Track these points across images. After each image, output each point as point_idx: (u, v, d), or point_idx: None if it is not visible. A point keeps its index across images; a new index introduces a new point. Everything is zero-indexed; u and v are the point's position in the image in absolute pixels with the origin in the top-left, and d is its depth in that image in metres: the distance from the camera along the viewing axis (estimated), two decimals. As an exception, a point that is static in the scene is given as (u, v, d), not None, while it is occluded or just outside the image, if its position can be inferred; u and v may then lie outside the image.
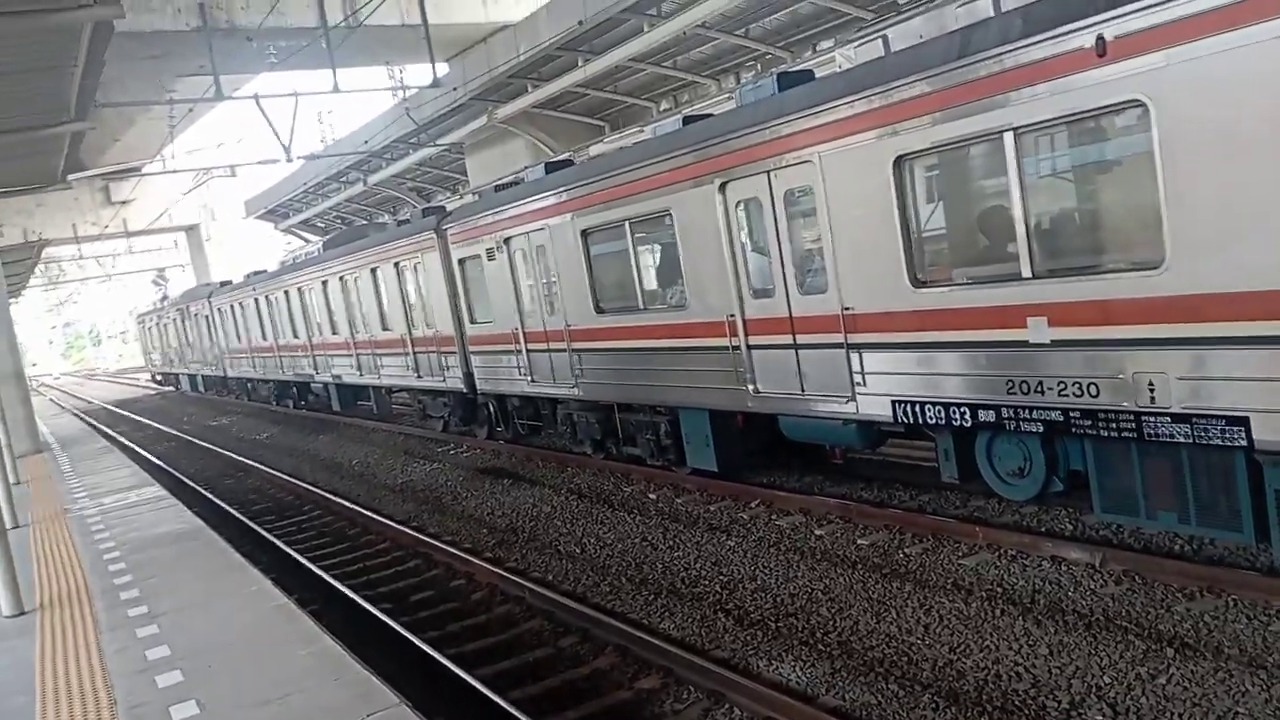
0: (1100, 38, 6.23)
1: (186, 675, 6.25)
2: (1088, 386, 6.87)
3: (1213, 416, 6.17)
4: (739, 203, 9.69)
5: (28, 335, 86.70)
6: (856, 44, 8.83)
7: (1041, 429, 7.34)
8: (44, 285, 67.95)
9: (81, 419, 33.31)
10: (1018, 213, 7.12)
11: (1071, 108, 6.57)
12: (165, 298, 49.03)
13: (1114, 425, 6.77)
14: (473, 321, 15.53)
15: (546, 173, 13.37)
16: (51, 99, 12.30)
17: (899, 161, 7.87)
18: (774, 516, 9.96)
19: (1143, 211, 6.44)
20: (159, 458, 21.76)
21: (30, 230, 37.41)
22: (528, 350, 13.89)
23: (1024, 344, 7.21)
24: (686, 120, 10.94)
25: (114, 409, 40.46)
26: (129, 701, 5.96)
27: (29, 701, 6.26)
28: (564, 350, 12.94)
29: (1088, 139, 6.97)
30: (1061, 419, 7.11)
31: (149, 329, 47.98)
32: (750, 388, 9.92)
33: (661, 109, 23.07)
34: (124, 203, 41.30)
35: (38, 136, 14.04)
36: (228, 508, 14.68)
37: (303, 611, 7.39)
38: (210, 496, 15.81)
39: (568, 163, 14.44)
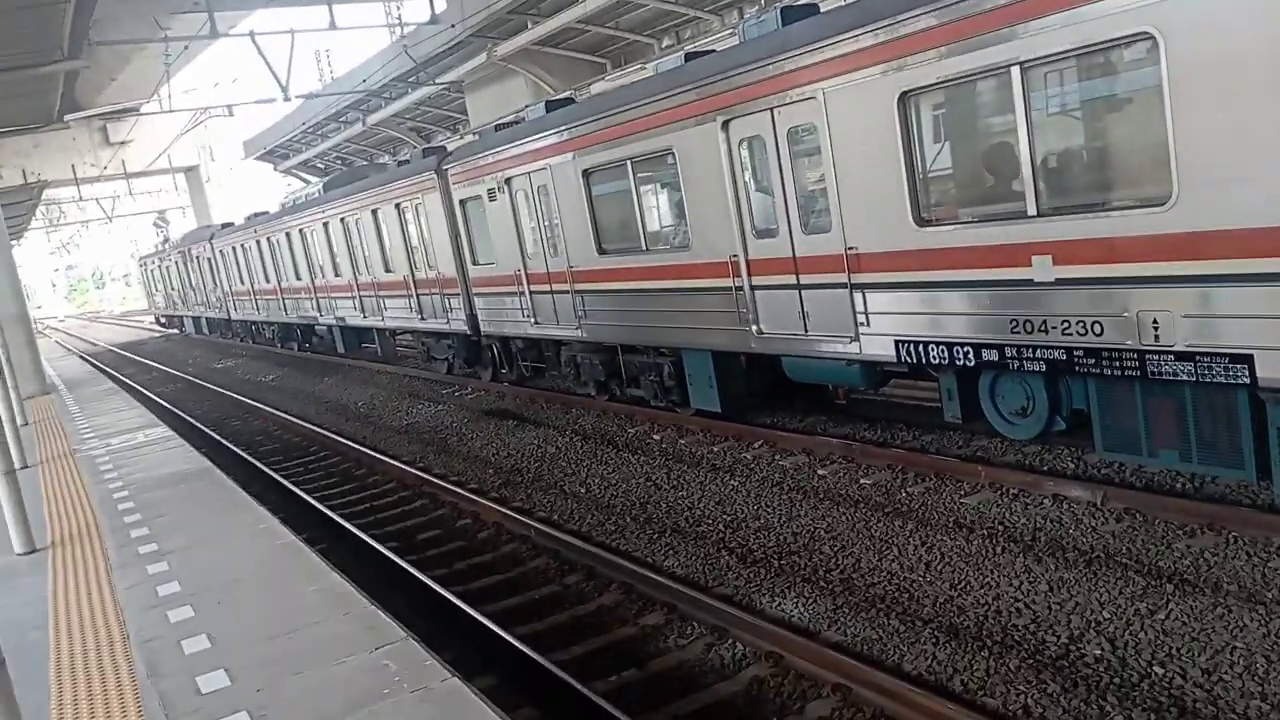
0: (1112, -32, 6.10)
1: (197, 610, 6.34)
2: (1092, 325, 6.85)
3: (1216, 354, 6.16)
4: (742, 141, 9.58)
5: (31, 278, 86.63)
6: (863, -23, 8.65)
7: (1044, 368, 7.33)
8: (45, 227, 67.67)
9: (87, 361, 33.40)
10: (1024, 149, 7.03)
11: (1080, 41, 6.45)
12: (166, 240, 48.87)
13: (1117, 364, 6.77)
14: (475, 263, 15.46)
15: (547, 111, 13.21)
16: (44, 37, 12.12)
17: (904, 98, 7.76)
18: (777, 456, 10.01)
19: (1150, 147, 6.36)
20: (165, 399, 21.86)
21: (29, 171, 37.13)
22: (531, 292, 13.86)
23: (1028, 282, 7.18)
24: (689, 57, 10.77)
25: (119, 351, 40.57)
26: (141, 635, 6.05)
27: (42, 636, 6.36)
28: (567, 292, 12.90)
29: (1096, 73, 6.85)
30: (1065, 358, 7.10)
31: (151, 272, 47.91)
32: (753, 328, 9.91)
33: (664, 46, 22.71)
34: (122, 143, 40.89)
35: (31, 75, 13.86)
36: (235, 448, 14.79)
37: (310, 549, 7.48)
38: (217, 437, 15.92)
39: (569, 101, 14.26)
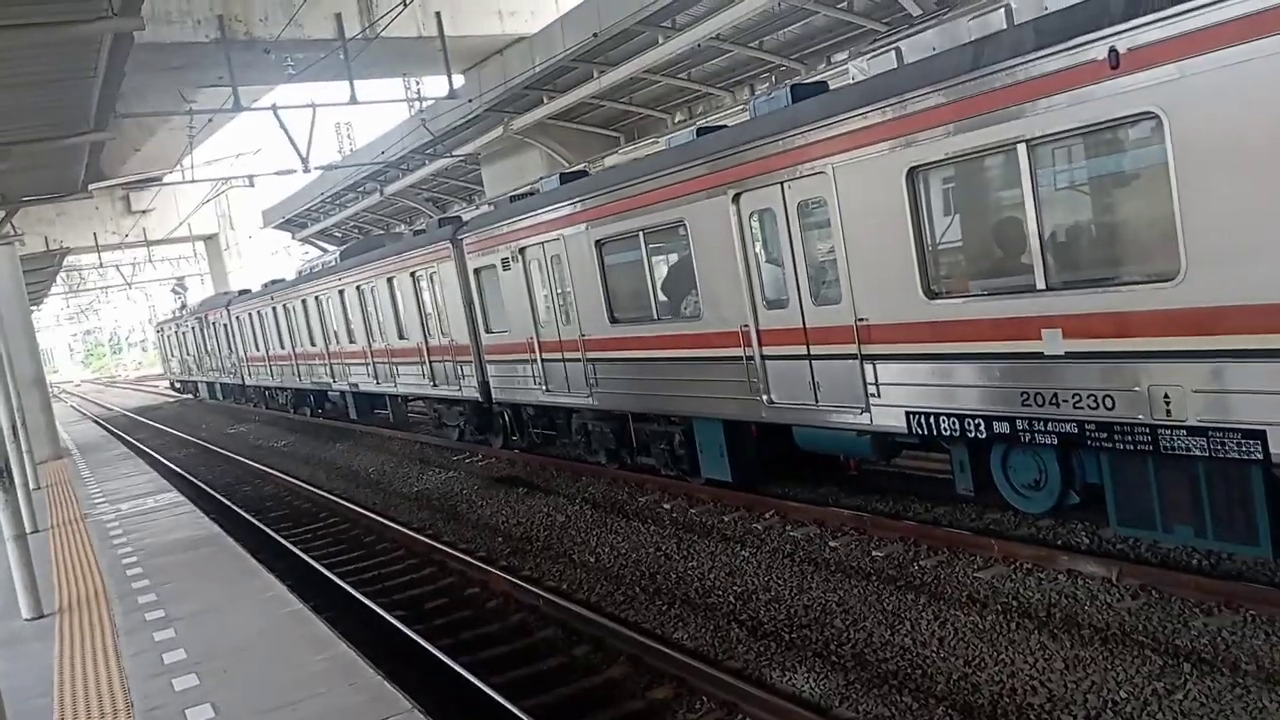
0: (1113, 50, 6.24)
1: (202, 679, 6.30)
2: (1103, 399, 6.85)
3: (1229, 430, 6.14)
4: (753, 214, 9.71)
5: (49, 342, 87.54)
6: (870, 56, 8.85)
7: (1057, 441, 7.32)
8: (65, 293, 68.54)
9: (101, 425, 33.56)
10: (1031, 224, 7.12)
11: (1085, 120, 6.57)
12: (184, 306, 49.41)
13: (1130, 438, 6.75)
14: (488, 331, 15.59)
15: (561, 183, 13.43)
16: (71, 109, 12.42)
17: (912, 173, 7.88)
18: (788, 527, 9.95)
19: (1157, 223, 6.43)
20: (177, 464, 21.90)
21: (52, 239, 37.76)
22: (543, 360, 13.93)
23: (1039, 356, 7.20)
24: (700, 131, 10.98)
25: (133, 416, 40.75)
26: (146, 704, 6.01)
27: (48, 703, 6.32)
28: (579, 360, 12.97)
29: (1102, 151, 6.97)
30: (1077, 431, 7.09)
31: (168, 337, 48.36)
32: (764, 398, 9.93)
33: (676, 120, 23.14)
34: (144, 212, 41.70)
35: (58, 146, 14.16)
36: (244, 514, 14.76)
37: (317, 617, 7.44)
38: (227, 503, 15.91)
39: (582, 174, 14.50)
